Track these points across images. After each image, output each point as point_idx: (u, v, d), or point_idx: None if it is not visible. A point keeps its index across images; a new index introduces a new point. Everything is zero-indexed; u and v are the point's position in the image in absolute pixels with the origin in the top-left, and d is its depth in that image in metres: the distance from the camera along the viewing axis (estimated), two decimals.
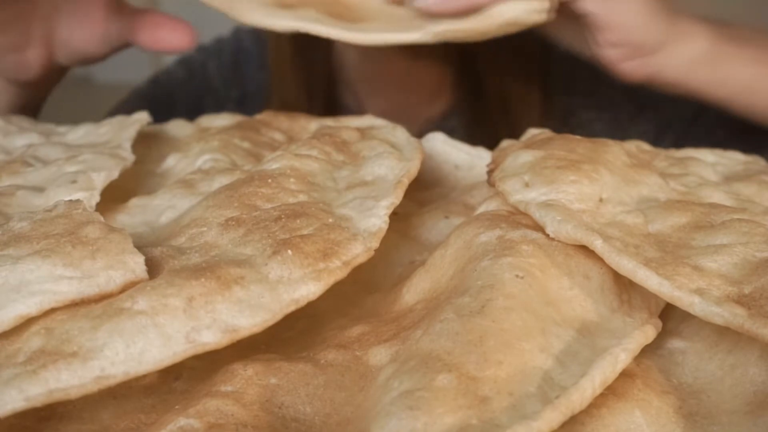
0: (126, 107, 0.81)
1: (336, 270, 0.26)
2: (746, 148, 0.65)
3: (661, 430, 0.23)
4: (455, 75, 0.74)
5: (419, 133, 0.41)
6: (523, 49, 0.69)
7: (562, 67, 0.74)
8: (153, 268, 0.26)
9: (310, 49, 0.72)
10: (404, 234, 0.35)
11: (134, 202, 0.34)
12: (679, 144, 0.70)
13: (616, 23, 0.51)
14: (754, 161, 0.39)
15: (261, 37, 0.78)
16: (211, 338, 0.23)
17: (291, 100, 0.72)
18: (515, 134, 0.40)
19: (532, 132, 0.39)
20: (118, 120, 0.43)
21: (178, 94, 0.79)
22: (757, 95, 0.58)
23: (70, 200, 0.28)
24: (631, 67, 0.54)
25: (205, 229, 0.28)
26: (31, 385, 0.21)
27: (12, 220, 0.28)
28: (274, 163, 0.33)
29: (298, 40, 0.71)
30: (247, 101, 0.78)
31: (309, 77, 0.73)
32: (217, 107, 0.78)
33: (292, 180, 0.32)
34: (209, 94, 0.79)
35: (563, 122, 0.73)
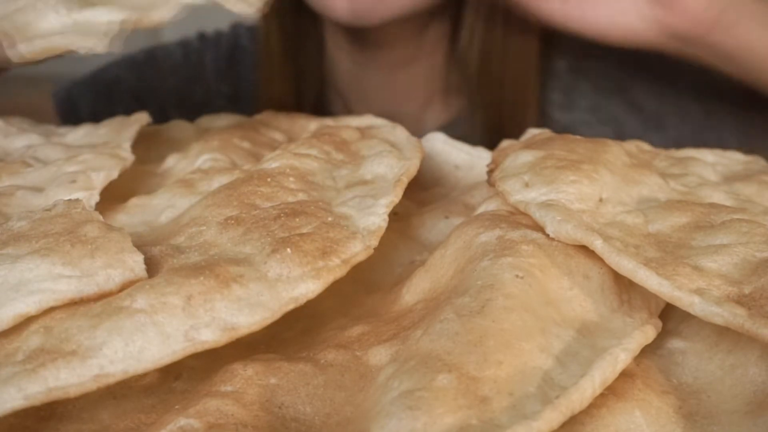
0: (114, 69, 0.80)
1: (335, 268, 0.26)
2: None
3: (661, 430, 0.23)
4: (448, 87, 0.72)
5: None
6: (521, 60, 0.67)
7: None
8: (152, 267, 0.26)
9: (300, 52, 0.72)
10: (404, 234, 0.35)
11: (134, 201, 0.34)
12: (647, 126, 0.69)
13: None
14: (754, 161, 0.39)
15: (258, 35, 0.78)
16: (210, 336, 0.23)
17: (279, 103, 0.71)
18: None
19: (532, 132, 0.39)
20: (118, 120, 0.43)
21: (169, 73, 0.78)
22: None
23: (69, 199, 0.28)
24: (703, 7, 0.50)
25: (204, 228, 0.28)
26: (30, 384, 0.21)
27: (11, 220, 0.28)
28: (273, 162, 0.33)
29: (289, 42, 0.71)
30: (240, 100, 0.78)
31: (298, 81, 0.72)
32: (206, 98, 0.76)
33: (291, 179, 0.32)
34: (199, 84, 0.78)
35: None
